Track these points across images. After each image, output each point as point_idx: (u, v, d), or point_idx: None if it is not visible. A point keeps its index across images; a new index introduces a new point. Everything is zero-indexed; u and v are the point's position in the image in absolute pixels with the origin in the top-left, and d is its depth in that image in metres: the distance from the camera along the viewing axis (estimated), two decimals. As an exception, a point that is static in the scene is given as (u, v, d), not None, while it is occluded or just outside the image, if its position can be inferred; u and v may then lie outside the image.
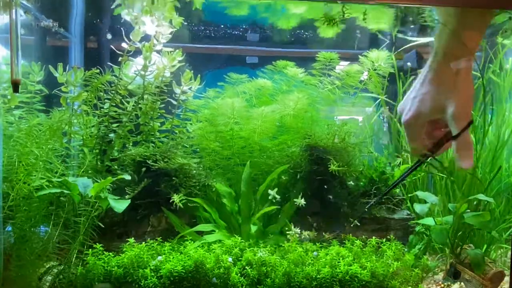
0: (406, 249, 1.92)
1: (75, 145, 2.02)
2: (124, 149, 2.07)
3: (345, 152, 2.07)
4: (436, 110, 1.03)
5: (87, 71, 1.98)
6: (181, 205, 1.87)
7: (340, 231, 1.93)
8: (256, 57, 2.66)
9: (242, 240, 1.77)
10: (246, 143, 2.17)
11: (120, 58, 2.02)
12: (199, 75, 2.19)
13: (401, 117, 1.11)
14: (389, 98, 2.46)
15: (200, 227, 1.91)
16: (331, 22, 1.32)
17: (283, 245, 1.78)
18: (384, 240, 1.84)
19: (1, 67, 1.82)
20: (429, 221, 1.91)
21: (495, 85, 2.30)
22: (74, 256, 1.68)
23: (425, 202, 1.96)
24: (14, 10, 1.38)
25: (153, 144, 2.12)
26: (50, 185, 1.65)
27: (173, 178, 1.94)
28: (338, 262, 1.68)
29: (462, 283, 1.87)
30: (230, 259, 1.66)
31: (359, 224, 1.94)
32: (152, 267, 1.62)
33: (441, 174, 2.16)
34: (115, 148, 2.08)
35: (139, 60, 2.06)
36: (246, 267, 1.66)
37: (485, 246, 2.12)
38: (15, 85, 1.40)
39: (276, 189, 1.99)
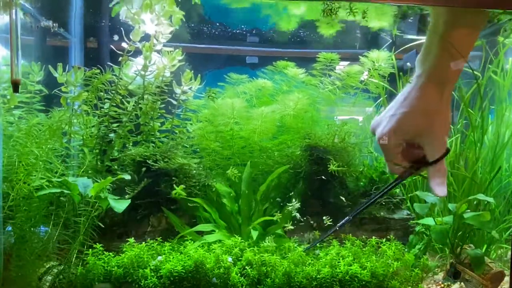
0: (406, 249, 1.92)
1: (75, 145, 2.02)
2: (124, 149, 2.07)
3: (345, 152, 2.07)
4: (412, 132, 1.03)
5: (87, 71, 1.98)
6: (183, 193, 1.86)
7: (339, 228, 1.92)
8: (256, 57, 2.66)
9: (242, 240, 1.77)
10: (246, 143, 2.17)
11: (120, 58, 2.02)
12: (199, 75, 2.19)
13: (375, 131, 1.09)
14: (389, 98, 2.46)
15: (200, 227, 1.91)
16: (332, 12, 1.32)
17: (283, 245, 1.78)
18: (384, 240, 1.84)
19: (1, 67, 1.82)
20: (429, 221, 1.91)
21: (496, 85, 2.30)
22: (74, 256, 1.68)
23: (425, 202, 1.96)
24: (14, 10, 1.38)
25: (153, 144, 2.12)
26: (50, 185, 1.65)
27: (173, 178, 1.94)
28: (338, 262, 1.68)
29: (462, 283, 1.87)
30: (230, 259, 1.66)
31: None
32: (152, 267, 1.62)
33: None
34: (115, 148, 2.08)
35: (139, 60, 2.06)
36: (246, 267, 1.66)
37: (485, 246, 2.12)
38: (15, 85, 1.40)
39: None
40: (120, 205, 1.69)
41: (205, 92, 2.28)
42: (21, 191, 1.58)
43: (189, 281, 1.62)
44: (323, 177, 2.03)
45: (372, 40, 2.43)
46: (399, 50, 2.34)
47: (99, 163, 2.01)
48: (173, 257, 1.66)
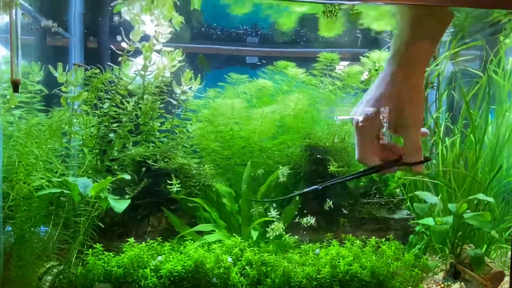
0: (406, 249, 1.92)
1: (75, 145, 2.02)
2: (124, 149, 2.07)
3: (345, 152, 2.07)
4: (390, 111, 1.02)
5: (87, 71, 1.98)
6: (176, 183, 1.86)
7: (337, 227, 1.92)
8: (256, 57, 2.66)
9: (242, 240, 1.77)
10: (246, 143, 2.17)
11: (120, 58, 2.02)
12: (199, 75, 2.19)
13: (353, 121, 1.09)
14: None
15: (200, 227, 1.91)
16: (332, 14, 1.32)
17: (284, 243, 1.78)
18: (384, 240, 1.84)
19: (1, 67, 1.82)
20: (429, 221, 1.91)
21: (496, 85, 2.30)
22: (74, 256, 1.68)
23: (425, 202, 1.96)
24: (14, 10, 1.38)
25: (153, 144, 2.12)
26: (50, 185, 1.65)
27: (174, 178, 1.94)
28: (338, 262, 1.68)
29: (462, 283, 1.87)
30: (230, 259, 1.66)
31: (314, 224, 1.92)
32: (152, 267, 1.62)
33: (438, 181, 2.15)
34: (115, 148, 2.08)
35: (140, 60, 2.06)
36: (246, 267, 1.66)
37: (485, 246, 2.12)
38: (15, 85, 1.40)
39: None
40: (120, 205, 1.69)
41: (205, 92, 2.28)
42: (21, 191, 1.58)
43: (189, 281, 1.62)
44: (323, 177, 2.03)
45: (373, 40, 2.43)
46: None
47: (99, 163, 2.01)
48: (173, 257, 1.66)
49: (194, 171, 1.99)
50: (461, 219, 1.87)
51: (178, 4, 1.91)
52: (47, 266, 1.71)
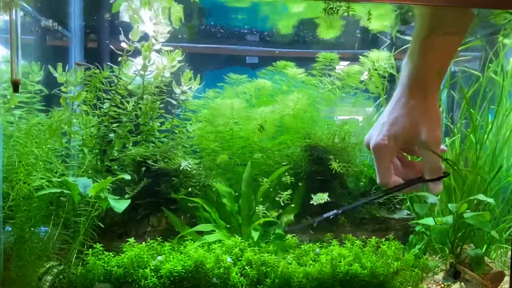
0: (406, 249, 1.92)
1: (75, 145, 2.02)
2: (124, 149, 2.07)
3: (345, 152, 2.07)
4: (407, 134, 1.02)
5: (86, 71, 1.98)
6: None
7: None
8: (256, 57, 2.66)
9: (242, 240, 1.77)
10: (246, 143, 2.17)
11: (119, 58, 2.02)
12: (198, 75, 2.19)
13: (369, 146, 1.09)
14: (388, 98, 2.46)
15: (200, 227, 1.91)
16: (333, 11, 1.32)
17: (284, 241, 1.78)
18: (384, 240, 1.84)
19: (1, 67, 1.82)
20: (429, 221, 1.91)
21: (496, 85, 2.30)
22: (74, 256, 1.68)
23: (425, 202, 1.96)
24: (14, 10, 1.38)
25: (153, 144, 2.12)
26: (50, 185, 1.65)
27: (173, 178, 1.94)
28: (339, 262, 1.68)
29: (462, 283, 1.87)
30: (229, 259, 1.66)
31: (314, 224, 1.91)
32: (152, 267, 1.62)
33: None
34: (115, 148, 2.08)
35: (140, 60, 2.06)
36: (246, 267, 1.66)
37: (485, 246, 2.12)
38: (15, 85, 1.40)
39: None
40: (120, 205, 1.69)
41: (204, 93, 2.28)
42: (21, 191, 1.58)
43: (189, 281, 1.62)
44: (323, 177, 2.03)
45: (372, 40, 2.43)
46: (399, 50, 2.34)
47: (99, 163, 2.01)
48: (173, 257, 1.66)
49: (194, 171, 1.99)
50: (461, 219, 1.87)
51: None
52: (47, 266, 1.71)
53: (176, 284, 1.61)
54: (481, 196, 1.91)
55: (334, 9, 1.28)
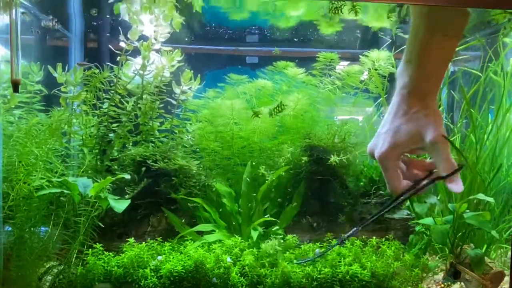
0: (406, 249, 1.92)
1: (75, 145, 2.02)
2: (124, 149, 2.07)
3: (345, 152, 2.07)
4: (412, 139, 1.03)
5: (86, 71, 1.98)
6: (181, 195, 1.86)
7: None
8: (256, 57, 2.66)
9: (242, 240, 1.77)
10: (246, 143, 2.17)
11: (118, 58, 2.02)
12: (199, 75, 2.19)
13: (373, 155, 1.10)
14: (389, 98, 2.46)
15: (200, 227, 1.91)
16: (337, 10, 1.32)
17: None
18: (384, 240, 1.84)
19: (1, 67, 1.82)
20: (429, 221, 1.91)
21: (496, 85, 2.30)
22: (74, 256, 1.68)
23: (425, 202, 1.96)
24: (14, 10, 1.38)
25: (152, 144, 2.12)
26: (50, 185, 1.65)
27: (173, 178, 1.94)
28: (339, 262, 1.68)
29: (462, 283, 1.87)
30: (229, 259, 1.66)
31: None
32: (152, 267, 1.62)
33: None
34: (115, 148, 2.07)
35: (139, 60, 2.05)
36: (246, 267, 1.66)
37: (485, 246, 2.12)
38: (15, 85, 1.40)
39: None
40: (120, 205, 1.69)
41: (204, 93, 2.28)
42: (21, 191, 1.58)
43: (189, 281, 1.62)
44: (323, 177, 2.03)
45: (373, 39, 2.43)
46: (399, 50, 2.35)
47: (99, 163, 2.01)
48: (173, 257, 1.66)
49: (194, 171, 1.99)
50: (461, 219, 1.87)
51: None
52: (47, 266, 1.71)
53: (176, 284, 1.61)
54: (481, 196, 1.90)
55: (337, 9, 1.29)
